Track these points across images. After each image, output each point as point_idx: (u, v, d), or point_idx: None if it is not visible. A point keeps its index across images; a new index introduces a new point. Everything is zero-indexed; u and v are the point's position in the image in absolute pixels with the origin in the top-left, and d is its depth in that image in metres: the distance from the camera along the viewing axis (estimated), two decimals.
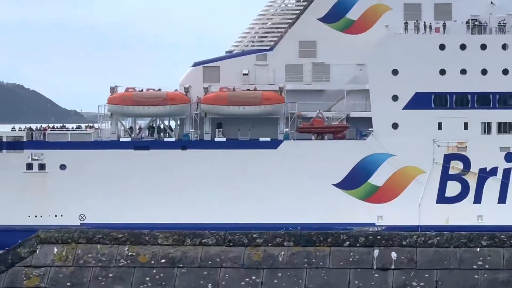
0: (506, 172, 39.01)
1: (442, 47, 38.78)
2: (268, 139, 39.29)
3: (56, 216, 38.46)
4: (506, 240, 5.17)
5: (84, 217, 38.46)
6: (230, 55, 41.35)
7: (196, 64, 41.16)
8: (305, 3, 40.25)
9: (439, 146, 38.51)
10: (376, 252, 5.47)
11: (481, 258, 5.14)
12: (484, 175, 38.59)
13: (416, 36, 39.44)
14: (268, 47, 40.36)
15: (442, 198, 39.02)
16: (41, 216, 38.41)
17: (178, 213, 37.94)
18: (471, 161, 38.68)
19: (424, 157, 38.64)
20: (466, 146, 38.69)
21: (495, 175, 38.82)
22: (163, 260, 5.26)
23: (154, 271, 5.11)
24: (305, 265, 5.45)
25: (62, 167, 38.69)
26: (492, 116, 38.99)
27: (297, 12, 40.36)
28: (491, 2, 39.43)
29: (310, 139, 39.90)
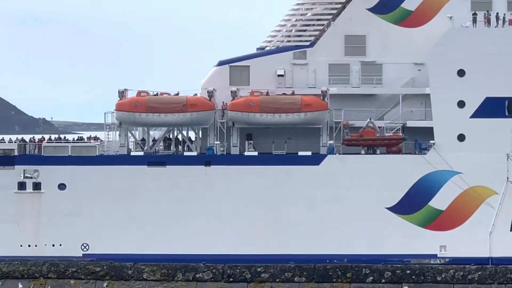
0: None
1: None
2: (309, 153, 33.09)
3: (53, 245, 32.38)
4: None
5: (87, 247, 32.45)
6: (262, 52, 35.35)
7: (221, 63, 34.68)
8: None
9: None
10: None
11: None
12: None
13: (487, 30, 33.32)
14: (308, 43, 34.37)
15: None
16: (35, 246, 32.42)
17: (201, 242, 32.28)
18: None
19: (496, 175, 32.60)
20: None
21: None
22: None
23: None
24: None
25: (61, 186, 32.87)
26: None
27: (343, 1, 34.37)
28: None
29: (359, 153, 33.70)
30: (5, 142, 34.70)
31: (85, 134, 44.73)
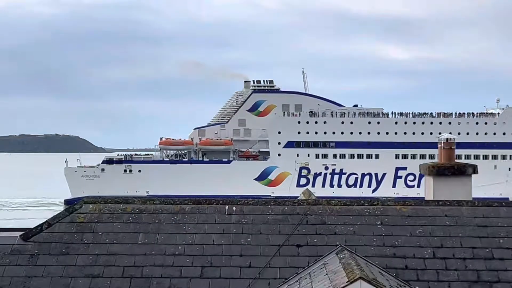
0: None
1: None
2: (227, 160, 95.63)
3: (137, 192, 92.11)
4: None
5: (149, 192, 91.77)
6: (209, 124, 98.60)
7: (196, 128, 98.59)
8: (242, 102, 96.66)
9: None
10: None
11: None
12: None
13: (287, 118, 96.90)
14: (226, 121, 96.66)
15: None
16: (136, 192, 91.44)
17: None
18: None
19: (292, 164, 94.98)
20: None
21: None
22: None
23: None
24: None
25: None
26: None
27: (240, 105, 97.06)
28: None
29: (244, 160, 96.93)
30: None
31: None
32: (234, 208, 8.45)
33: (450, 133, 12.90)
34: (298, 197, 13.48)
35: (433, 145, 67.62)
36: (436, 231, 7.96)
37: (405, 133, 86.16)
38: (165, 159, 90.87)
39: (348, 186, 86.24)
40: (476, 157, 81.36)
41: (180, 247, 8.14)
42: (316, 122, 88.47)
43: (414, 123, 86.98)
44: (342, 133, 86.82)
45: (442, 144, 9.20)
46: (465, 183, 8.71)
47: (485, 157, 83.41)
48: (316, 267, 7.97)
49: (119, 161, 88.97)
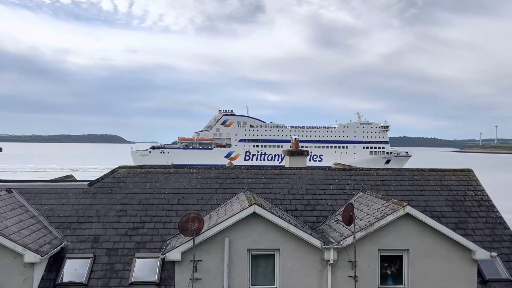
0: None
1: None
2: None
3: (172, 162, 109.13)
4: None
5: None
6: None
7: (196, 132, 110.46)
8: (218, 120, 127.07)
9: None
10: None
11: None
12: None
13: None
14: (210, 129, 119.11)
15: None
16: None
17: None
18: None
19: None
20: None
21: None
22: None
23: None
24: None
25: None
26: None
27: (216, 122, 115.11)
28: None
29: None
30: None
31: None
32: (195, 171, 16.98)
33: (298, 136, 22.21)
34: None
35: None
36: (290, 181, 16.57)
37: (287, 135, 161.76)
38: (180, 147, 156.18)
39: (265, 160, 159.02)
40: (323, 147, 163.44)
41: (167, 190, 16.56)
42: (251, 129, 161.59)
43: (290, 130, 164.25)
44: (263, 135, 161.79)
45: (293, 140, 17.78)
46: (303, 159, 17.27)
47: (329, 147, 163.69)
48: (234, 199, 16.41)
49: (158, 147, 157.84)
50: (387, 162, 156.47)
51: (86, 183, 16.74)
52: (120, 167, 17.09)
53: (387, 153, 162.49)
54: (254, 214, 13.31)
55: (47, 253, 13.19)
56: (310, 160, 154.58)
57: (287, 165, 17.89)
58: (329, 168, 17.27)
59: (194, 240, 12.83)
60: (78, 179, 19.37)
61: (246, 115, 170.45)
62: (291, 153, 17.53)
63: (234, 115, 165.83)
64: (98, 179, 16.80)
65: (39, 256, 12.77)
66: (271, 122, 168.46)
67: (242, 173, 16.83)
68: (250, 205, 13.45)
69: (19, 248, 12.70)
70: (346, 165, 19.61)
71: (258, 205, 13.45)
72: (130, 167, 17.14)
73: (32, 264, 12.83)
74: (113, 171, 17.00)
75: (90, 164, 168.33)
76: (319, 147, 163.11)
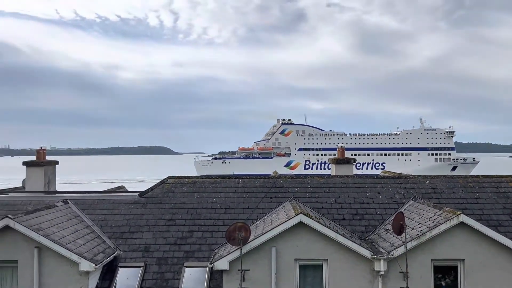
0: None
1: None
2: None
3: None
4: None
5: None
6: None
7: (257, 140, 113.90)
8: (277, 129, 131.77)
9: None
10: None
11: None
12: None
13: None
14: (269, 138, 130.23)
15: None
16: None
17: None
18: None
19: None
20: None
21: None
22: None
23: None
24: None
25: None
26: None
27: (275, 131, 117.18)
28: None
29: None
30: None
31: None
32: (240, 180, 17.10)
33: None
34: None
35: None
36: (336, 190, 16.31)
37: (347, 143, 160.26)
38: (241, 157, 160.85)
39: (325, 169, 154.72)
40: (386, 154, 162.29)
41: (214, 199, 16.76)
42: (310, 138, 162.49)
43: (350, 138, 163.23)
44: (322, 143, 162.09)
45: (339, 148, 17.49)
46: (349, 167, 16.91)
47: (392, 154, 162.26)
48: (279, 208, 16.35)
49: (220, 158, 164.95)
50: (453, 169, 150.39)
51: (137, 193, 17.24)
52: (169, 177, 17.48)
53: (453, 159, 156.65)
54: (300, 223, 13.20)
55: (101, 262, 13.63)
56: (372, 168, 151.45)
57: (333, 174, 17.65)
58: (377, 176, 16.88)
59: (241, 249, 12.87)
60: (129, 189, 19.97)
61: (305, 123, 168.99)
62: (337, 161, 17.26)
63: (293, 124, 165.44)
64: (148, 189, 17.26)
65: (94, 265, 13.20)
66: (330, 130, 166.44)
67: (287, 182, 16.77)
68: (297, 215, 13.34)
69: (75, 257, 13.20)
70: (395, 172, 19.08)
71: (305, 214, 13.32)
72: (179, 177, 17.50)
73: (87, 273, 13.29)
74: (162, 182, 17.41)
75: (141, 175, 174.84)
76: (381, 154, 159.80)
